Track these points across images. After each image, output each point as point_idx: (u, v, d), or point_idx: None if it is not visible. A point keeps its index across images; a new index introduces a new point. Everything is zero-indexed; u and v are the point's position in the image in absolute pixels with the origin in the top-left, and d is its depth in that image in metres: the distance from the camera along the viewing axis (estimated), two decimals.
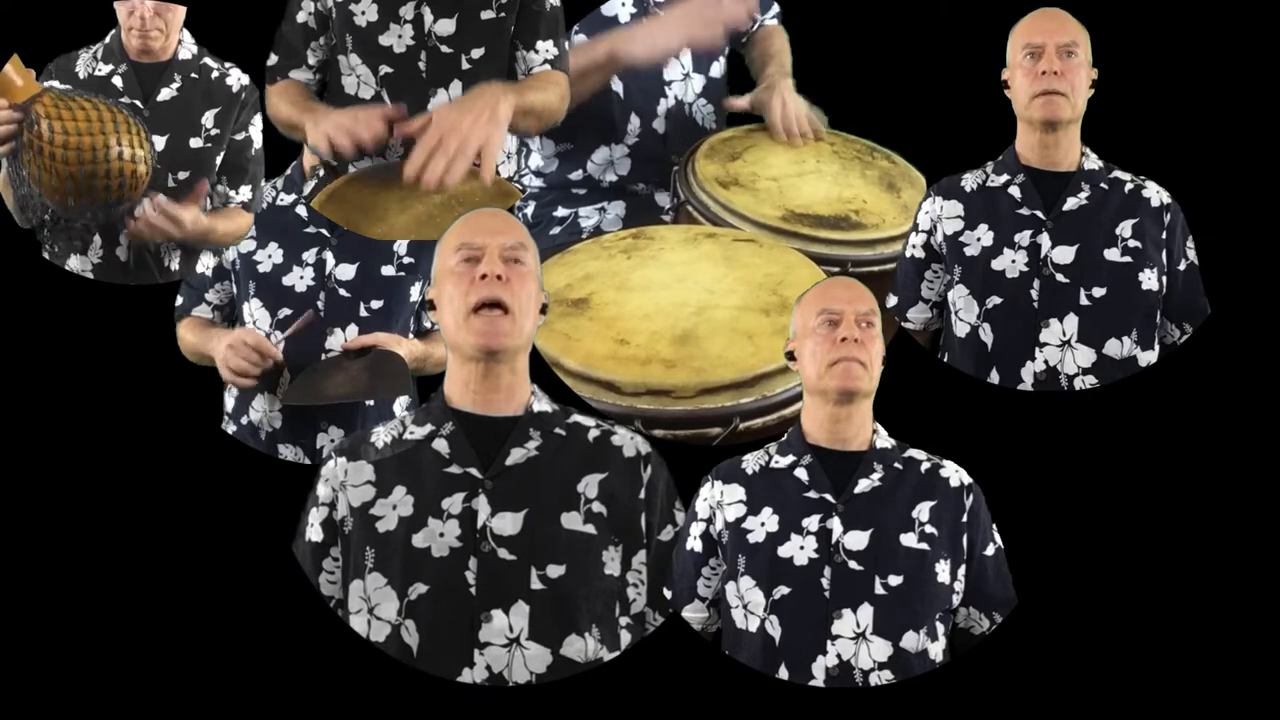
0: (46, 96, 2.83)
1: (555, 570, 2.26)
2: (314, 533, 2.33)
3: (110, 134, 2.83)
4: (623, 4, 3.37)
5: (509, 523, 2.26)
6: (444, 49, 3.00)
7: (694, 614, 2.41)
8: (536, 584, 2.25)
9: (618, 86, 3.37)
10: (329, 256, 2.96)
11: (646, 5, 3.38)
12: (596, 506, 2.30)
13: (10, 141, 2.82)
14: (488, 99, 2.88)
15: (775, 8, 3.55)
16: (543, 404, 2.35)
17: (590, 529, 2.28)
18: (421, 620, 2.25)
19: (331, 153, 2.87)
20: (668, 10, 3.36)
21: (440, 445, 2.31)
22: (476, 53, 3.01)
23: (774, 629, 2.32)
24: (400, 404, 2.97)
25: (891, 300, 2.87)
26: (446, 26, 3.00)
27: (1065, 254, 2.72)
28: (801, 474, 2.39)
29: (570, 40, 3.29)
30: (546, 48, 3.04)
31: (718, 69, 3.47)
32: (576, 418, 2.37)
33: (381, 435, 2.35)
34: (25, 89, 2.82)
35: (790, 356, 2.45)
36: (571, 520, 2.28)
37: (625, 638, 2.31)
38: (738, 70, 3.52)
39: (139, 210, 2.97)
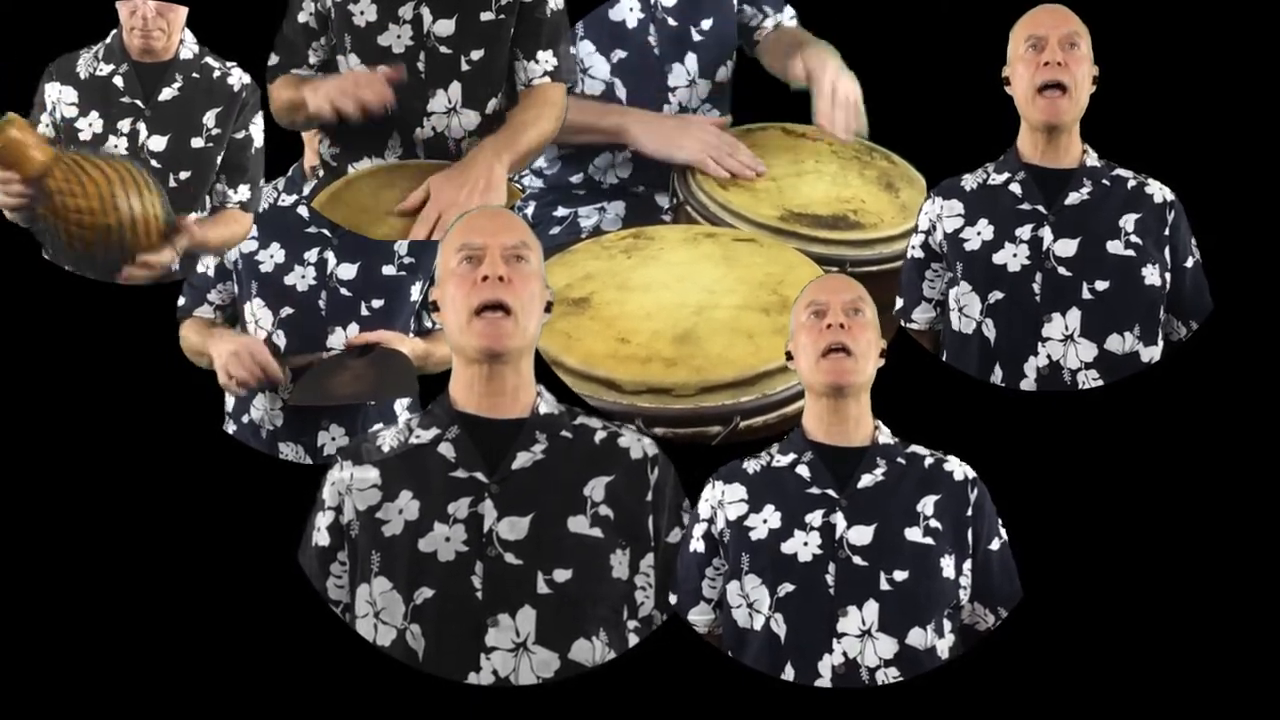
0: (58, 168, 2.81)
1: (562, 575, 2.25)
2: (320, 537, 2.33)
3: (121, 195, 2.83)
4: (630, 9, 3.37)
5: (515, 527, 2.26)
6: (443, 50, 3.01)
7: (700, 616, 2.40)
8: (543, 588, 2.24)
9: (620, 94, 3.37)
10: (330, 256, 2.97)
11: (654, 11, 3.38)
12: (603, 510, 2.29)
13: (23, 212, 2.83)
14: (481, 168, 2.90)
15: (790, 10, 3.52)
16: (548, 405, 2.35)
17: (597, 533, 2.28)
18: (428, 624, 2.24)
19: (335, 117, 2.89)
20: (685, 120, 3.37)
21: (446, 449, 2.31)
22: (475, 54, 3.02)
23: (779, 627, 2.32)
24: (401, 403, 2.98)
25: (898, 304, 2.87)
26: (446, 27, 3.00)
27: (1068, 247, 2.73)
28: (803, 470, 2.39)
29: (576, 45, 3.30)
30: (547, 58, 3.04)
31: (723, 73, 3.46)
32: (583, 419, 2.36)
33: (387, 438, 2.35)
34: (38, 159, 2.80)
35: (790, 357, 2.45)
36: (578, 524, 2.28)
37: (633, 641, 2.31)
38: (743, 74, 3.50)
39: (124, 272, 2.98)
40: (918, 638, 2.31)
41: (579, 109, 3.21)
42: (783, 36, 3.49)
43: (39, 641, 2.66)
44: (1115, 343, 2.71)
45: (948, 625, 2.35)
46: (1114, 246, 2.73)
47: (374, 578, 2.26)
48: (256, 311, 2.95)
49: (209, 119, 3.11)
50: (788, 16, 3.53)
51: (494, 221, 2.35)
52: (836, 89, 3.24)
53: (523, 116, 3.01)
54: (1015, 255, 2.74)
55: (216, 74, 3.13)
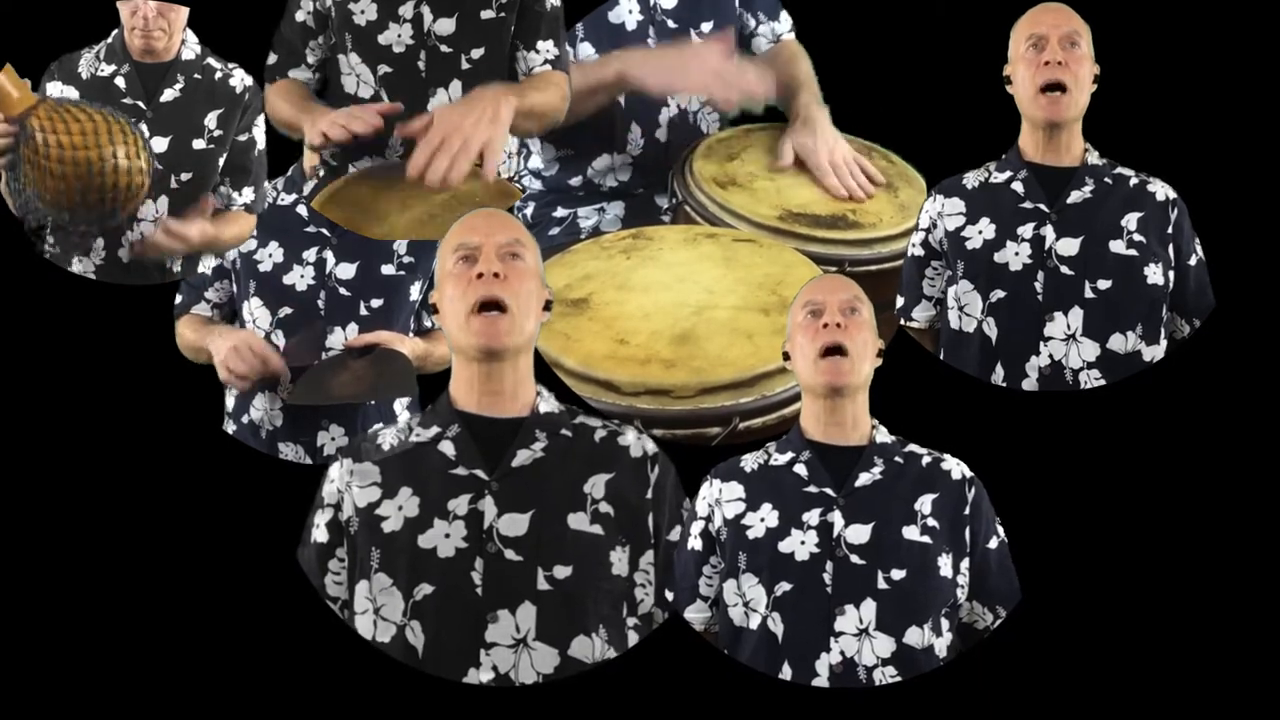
0: (42, 108, 2.83)
1: (562, 571, 2.26)
2: (320, 534, 2.33)
3: (107, 144, 2.83)
4: (629, 11, 3.36)
5: (515, 524, 2.26)
6: (443, 48, 3.01)
7: (697, 614, 2.40)
8: (543, 584, 2.25)
9: (620, 96, 3.37)
10: (329, 256, 2.97)
11: (653, 14, 3.37)
12: (604, 507, 2.30)
13: (7, 155, 2.83)
14: (489, 100, 2.90)
15: (788, 20, 3.51)
16: (549, 405, 2.35)
17: (597, 529, 2.29)
18: (427, 621, 2.25)
19: (328, 147, 2.89)
20: (686, 47, 3.34)
21: (446, 447, 2.31)
22: (476, 52, 3.02)
23: (776, 626, 2.32)
24: (401, 403, 2.98)
25: (899, 302, 2.87)
26: (446, 26, 3.01)
27: (1070, 246, 2.73)
28: (801, 469, 2.39)
29: (575, 47, 3.30)
30: (547, 48, 3.05)
31: None
32: (582, 418, 2.37)
33: (388, 437, 2.35)
34: (21, 101, 2.82)
35: (787, 357, 2.45)
36: (578, 521, 2.28)
37: (633, 638, 2.31)
38: None
39: (139, 230, 2.99)
40: (915, 636, 2.31)
41: (578, 72, 3.19)
42: (777, 61, 3.45)
43: (39, 641, 2.66)
44: (1117, 342, 2.71)
45: (945, 624, 2.35)
46: (1116, 245, 2.73)
47: (373, 574, 2.27)
48: (255, 311, 2.95)
49: (210, 120, 3.11)
50: (784, 27, 3.51)
51: (488, 221, 2.37)
52: (834, 162, 3.24)
53: (530, 84, 3.02)
54: (1017, 254, 2.74)
55: (218, 75, 3.13)
